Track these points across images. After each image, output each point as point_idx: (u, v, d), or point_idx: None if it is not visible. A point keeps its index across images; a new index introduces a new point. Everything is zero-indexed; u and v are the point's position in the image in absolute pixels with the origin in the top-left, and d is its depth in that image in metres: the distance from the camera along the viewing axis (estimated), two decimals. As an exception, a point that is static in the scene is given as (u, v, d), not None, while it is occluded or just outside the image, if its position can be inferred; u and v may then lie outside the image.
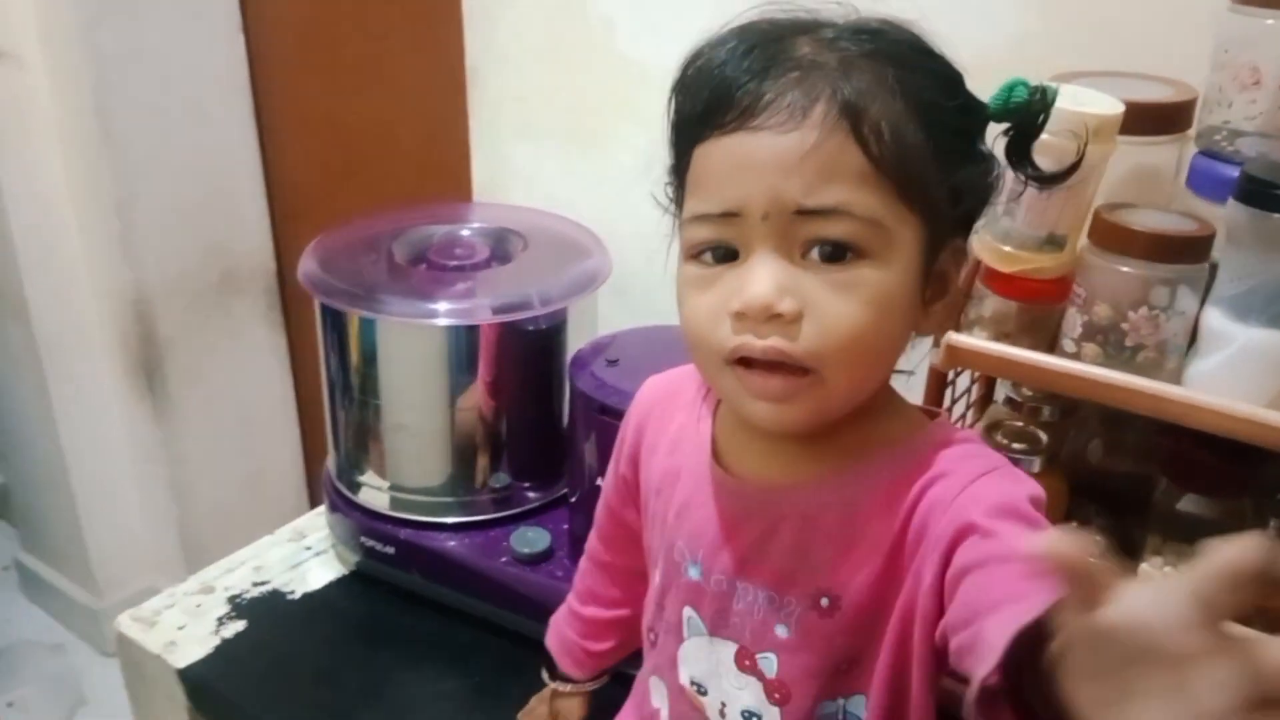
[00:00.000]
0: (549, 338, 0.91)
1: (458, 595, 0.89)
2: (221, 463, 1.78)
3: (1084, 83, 0.68)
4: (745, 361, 0.47)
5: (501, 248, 0.96)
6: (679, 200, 0.52)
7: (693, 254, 0.49)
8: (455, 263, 0.93)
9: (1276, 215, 0.59)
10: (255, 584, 0.95)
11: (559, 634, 0.73)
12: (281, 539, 1.01)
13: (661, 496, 0.59)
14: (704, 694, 0.58)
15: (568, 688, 0.74)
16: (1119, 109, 0.64)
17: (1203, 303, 0.65)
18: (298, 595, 0.94)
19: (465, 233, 0.98)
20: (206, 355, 1.72)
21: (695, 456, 0.57)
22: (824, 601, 0.52)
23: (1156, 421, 0.64)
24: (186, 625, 0.89)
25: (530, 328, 0.89)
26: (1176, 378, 0.66)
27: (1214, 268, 0.65)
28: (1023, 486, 0.48)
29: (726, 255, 0.48)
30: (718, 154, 0.47)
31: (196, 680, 0.84)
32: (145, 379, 1.68)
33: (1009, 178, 0.67)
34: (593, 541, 0.70)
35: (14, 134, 1.50)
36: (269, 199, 1.71)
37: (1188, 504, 0.72)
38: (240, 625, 0.90)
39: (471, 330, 0.87)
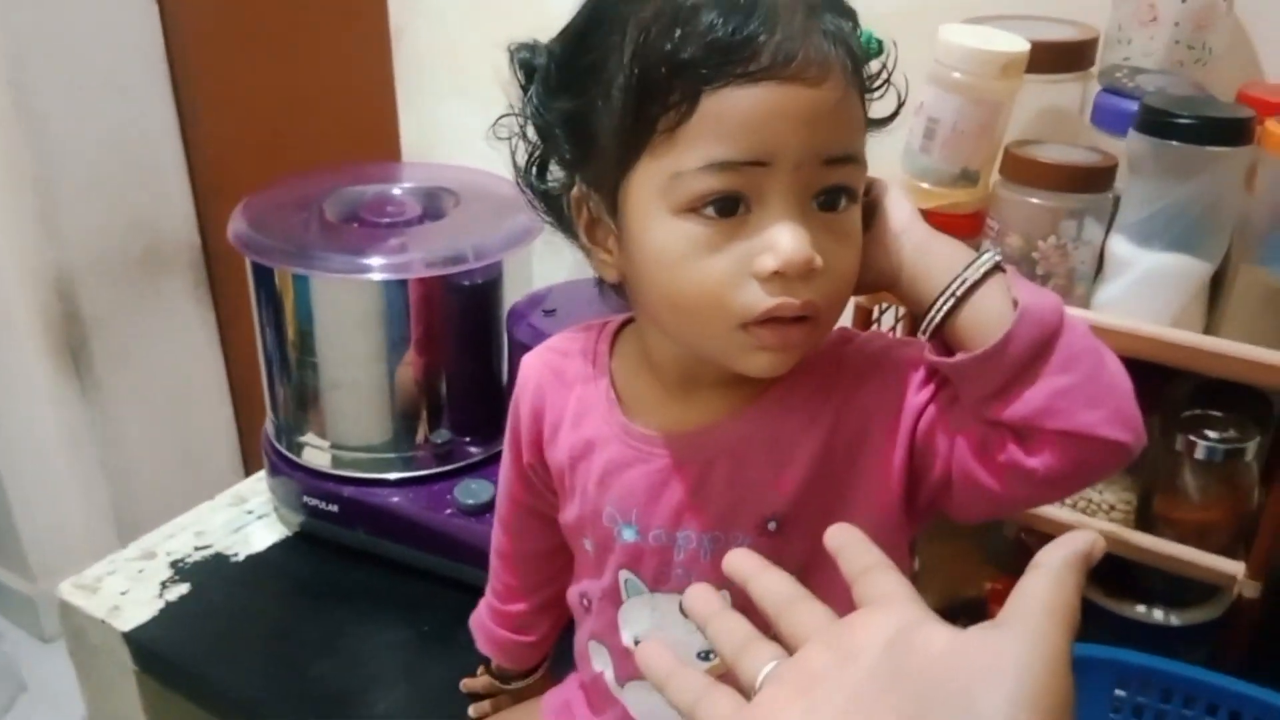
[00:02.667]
0: (485, 292, 0.92)
1: (403, 549, 0.90)
2: (154, 441, 1.75)
3: (995, 25, 0.71)
4: (773, 320, 0.47)
5: (434, 205, 0.96)
6: (630, 146, 0.47)
7: (691, 206, 0.46)
8: (388, 220, 0.93)
9: (1174, 143, 0.63)
10: (197, 548, 0.95)
11: (490, 636, 0.71)
12: (222, 504, 1.01)
13: (577, 471, 0.58)
14: None
15: (520, 684, 0.74)
16: (1024, 48, 0.67)
17: (1108, 231, 0.69)
18: (241, 558, 0.94)
19: (397, 191, 0.98)
20: (133, 333, 1.69)
21: (606, 421, 0.56)
22: (771, 525, 0.54)
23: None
24: (130, 590, 0.89)
25: (465, 282, 0.90)
26: (1085, 304, 0.70)
27: (1118, 199, 0.69)
28: (918, 356, 0.51)
29: (727, 208, 0.46)
30: (746, 102, 0.44)
31: (143, 642, 0.84)
32: (71, 359, 1.65)
33: (924, 117, 0.70)
34: (499, 539, 0.68)
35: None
36: (191, 173, 1.68)
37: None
38: (184, 588, 0.90)
39: (406, 285, 0.88)
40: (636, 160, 0.47)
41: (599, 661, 0.63)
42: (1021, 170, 0.69)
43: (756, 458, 0.53)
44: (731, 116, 0.45)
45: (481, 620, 0.72)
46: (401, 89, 1.17)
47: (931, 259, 0.50)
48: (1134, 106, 0.67)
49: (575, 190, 0.52)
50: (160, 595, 0.89)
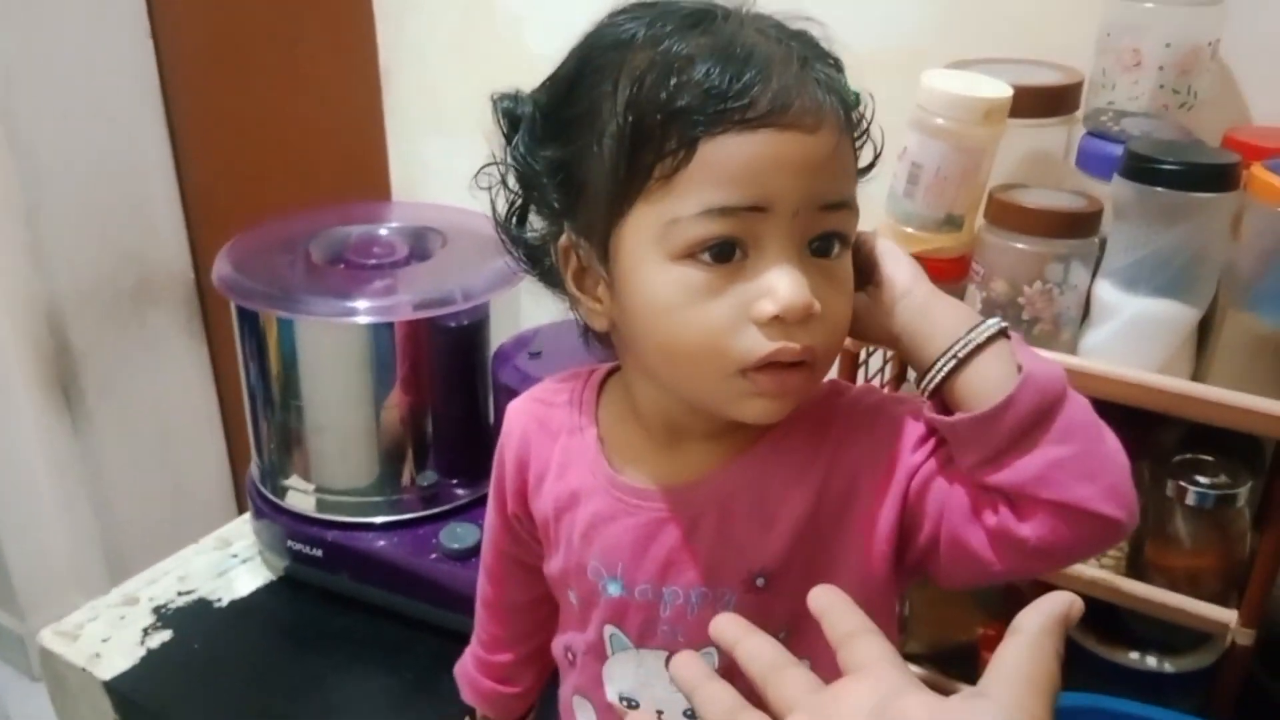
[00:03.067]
0: (471, 334, 0.91)
1: (387, 594, 0.89)
2: (144, 476, 1.74)
3: (979, 69, 0.71)
4: (770, 365, 0.47)
5: (421, 245, 0.96)
6: (623, 193, 0.47)
7: (688, 252, 0.46)
8: (374, 261, 0.93)
9: (1159, 189, 0.63)
10: (180, 594, 0.94)
11: (475, 686, 0.70)
12: (206, 548, 1.00)
13: (562, 522, 0.57)
14: (635, 706, 0.57)
15: None
16: (1007, 93, 0.66)
17: (1094, 276, 0.68)
18: (224, 603, 0.93)
19: (383, 232, 0.98)
20: (124, 366, 1.69)
21: (591, 473, 0.56)
22: (759, 581, 0.53)
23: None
24: (111, 637, 0.88)
25: (452, 324, 0.90)
26: (1072, 349, 0.69)
27: (1103, 243, 0.68)
28: (909, 416, 0.52)
29: (725, 253, 0.46)
30: (744, 149, 0.45)
31: (123, 692, 0.83)
32: (61, 392, 1.64)
33: (908, 162, 0.70)
34: (484, 588, 0.67)
35: (-88, 144, 1.45)
36: (184, 205, 1.68)
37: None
38: (166, 635, 0.89)
39: (392, 328, 0.87)
40: (630, 207, 0.47)
41: (583, 716, 0.62)
42: (1006, 215, 0.68)
43: (745, 512, 0.53)
44: (730, 163, 0.45)
45: (466, 670, 0.71)
46: (390, 127, 1.17)
47: (934, 321, 0.50)
48: (1119, 150, 0.67)
49: (564, 239, 0.51)
50: (142, 643, 0.87)
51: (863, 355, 0.79)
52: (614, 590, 0.55)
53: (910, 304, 0.51)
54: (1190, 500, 0.68)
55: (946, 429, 0.48)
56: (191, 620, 0.90)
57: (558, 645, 0.62)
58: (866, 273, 0.52)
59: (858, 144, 0.51)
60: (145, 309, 1.68)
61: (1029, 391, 0.46)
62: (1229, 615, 0.66)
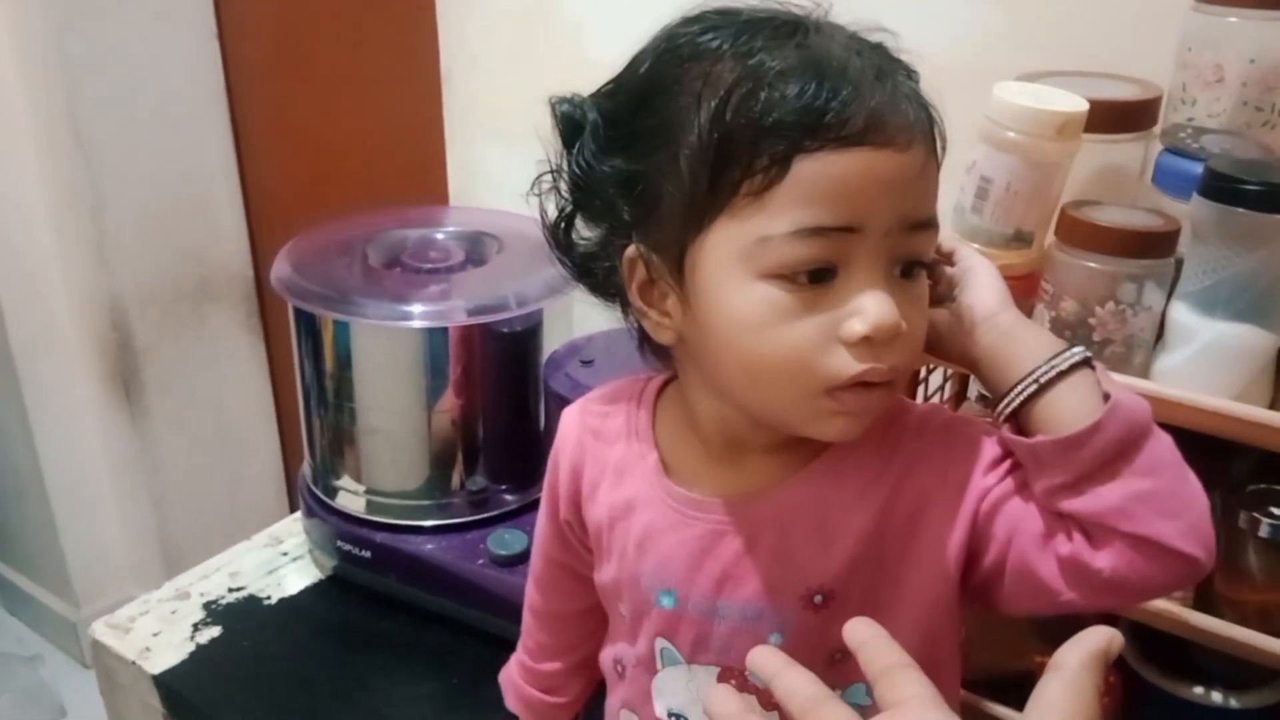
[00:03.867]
0: (524, 340, 0.91)
1: (434, 598, 0.89)
2: (200, 471, 1.77)
3: (1052, 82, 0.69)
4: (856, 385, 0.46)
5: (476, 250, 0.96)
6: (705, 209, 0.46)
7: (780, 273, 0.45)
8: (430, 265, 0.93)
9: (1240, 210, 0.60)
10: (231, 590, 0.94)
11: (520, 694, 0.69)
12: (258, 545, 1.01)
13: (616, 531, 0.56)
14: None
15: None
16: (1083, 107, 0.65)
17: (1169, 298, 0.66)
18: (274, 600, 0.94)
19: (440, 236, 0.98)
20: (184, 363, 1.71)
21: (648, 482, 0.55)
22: (818, 599, 0.52)
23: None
24: (161, 632, 0.89)
25: (505, 329, 0.89)
26: (1144, 372, 0.67)
27: (1179, 263, 0.66)
28: (983, 437, 0.51)
29: (819, 275, 0.45)
30: (839, 167, 0.44)
31: (171, 686, 0.84)
32: (122, 387, 1.67)
33: (976, 175, 0.68)
34: (533, 596, 0.67)
35: (-14, 140, 1.49)
36: (246, 206, 1.71)
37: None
38: (215, 631, 0.89)
39: (446, 332, 0.87)
40: (712, 223, 0.46)
41: None
42: (1078, 233, 0.66)
43: (804, 528, 0.52)
44: (825, 181, 0.44)
45: (511, 677, 0.70)
46: (449, 132, 1.18)
47: (1018, 346, 0.49)
48: (1198, 169, 0.64)
49: (631, 250, 0.50)
50: (192, 638, 0.88)
51: (922, 372, 0.77)
52: (667, 603, 0.54)
53: (995, 327, 0.50)
54: (1263, 532, 0.66)
55: (1026, 450, 0.48)
56: (241, 617, 0.91)
57: (606, 656, 0.62)
58: (948, 286, 0.52)
59: (941, 160, 0.50)
60: (205, 308, 1.70)
61: (1116, 420, 0.45)
62: (1304, 654, 0.64)
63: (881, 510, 0.51)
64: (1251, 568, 0.67)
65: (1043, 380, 0.47)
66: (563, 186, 0.53)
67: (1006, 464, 0.50)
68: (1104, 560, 0.46)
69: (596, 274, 0.54)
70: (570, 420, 0.60)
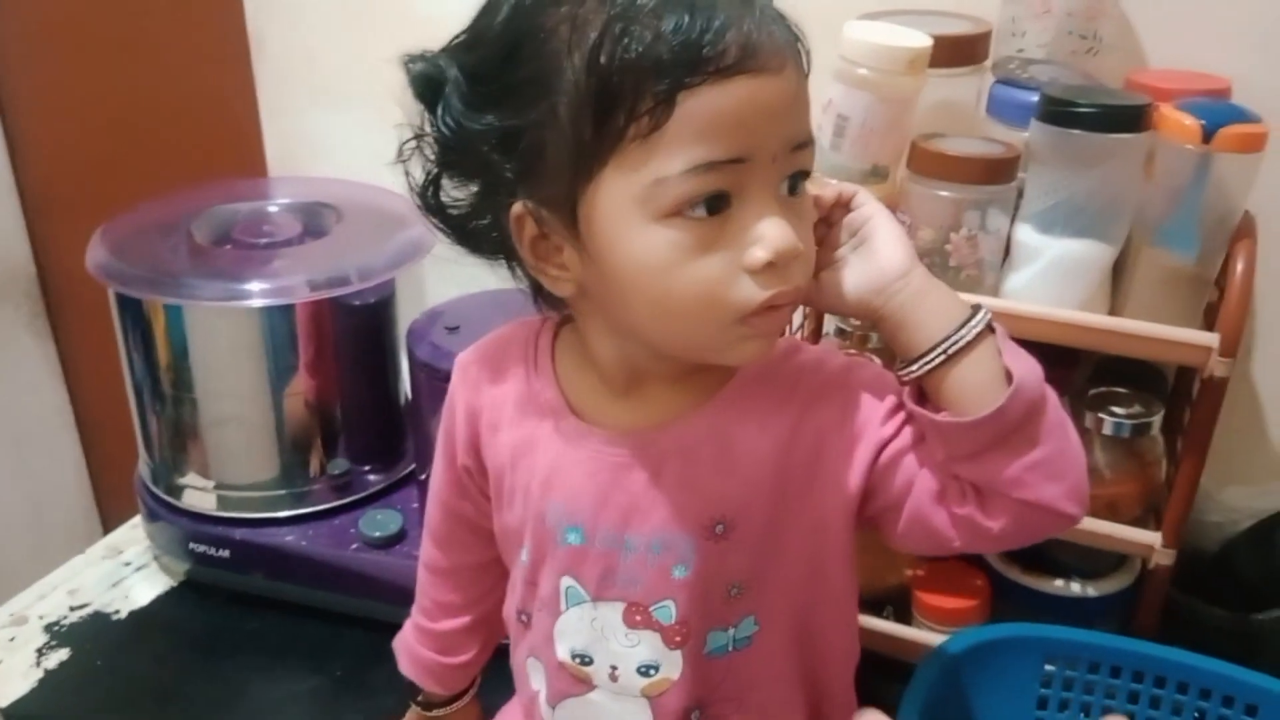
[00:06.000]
0: (377, 312, 0.87)
1: (307, 591, 0.85)
2: (-3, 490, 1.61)
3: (894, 20, 0.71)
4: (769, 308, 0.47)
5: (314, 222, 0.91)
6: (592, 158, 0.45)
7: (676, 211, 0.45)
8: (265, 240, 0.87)
9: (1075, 132, 0.65)
10: (73, 608, 0.87)
11: (413, 656, 0.67)
12: (95, 557, 0.93)
13: (519, 470, 0.56)
14: (588, 663, 0.56)
15: (445, 710, 0.69)
16: (928, 42, 0.67)
17: (1013, 221, 0.70)
18: (123, 615, 0.87)
19: (272, 209, 0.92)
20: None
21: (550, 419, 0.55)
22: (719, 528, 0.53)
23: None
24: (3, 660, 0.80)
25: (356, 303, 0.85)
26: (995, 292, 0.71)
27: (1020, 189, 0.70)
28: (878, 382, 0.53)
29: (714, 205, 0.45)
30: (723, 99, 0.44)
31: (24, 717, 0.76)
32: (-108, 407, 1.49)
33: (833, 114, 0.70)
34: (428, 550, 0.65)
35: None
36: (20, 193, 1.55)
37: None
38: (63, 654, 0.82)
39: (291, 310, 0.82)
40: (601, 170, 0.45)
41: (536, 679, 0.60)
42: (930, 164, 0.69)
43: (708, 457, 0.53)
44: (712, 115, 0.44)
45: (406, 641, 0.68)
46: (264, 99, 1.10)
47: (926, 309, 0.50)
48: (1030, 98, 0.68)
49: (517, 207, 0.49)
50: (38, 664, 0.81)
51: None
52: (574, 539, 0.54)
53: (905, 286, 0.51)
54: (1107, 430, 0.72)
55: (928, 424, 0.50)
56: (89, 635, 0.84)
57: (509, 610, 0.61)
58: (847, 233, 0.53)
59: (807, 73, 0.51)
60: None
61: (1018, 402, 0.47)
62: (1153, 538, 0.70)
63: (782, 444, 0.52)
64: (1099, 464, 0.73)
65: (950, 352, 0.49)
66: (426, 149, 0.51)
67: (903, 414, 0.52)
68: (996, 521, 0.49)
69: (475, 235, 0.53)
70: (465, 363, 0.59)
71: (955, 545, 0.51)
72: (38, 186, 1.52)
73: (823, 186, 0.54)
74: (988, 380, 0.48)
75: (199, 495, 0.87)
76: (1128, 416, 0.72)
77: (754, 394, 0.53)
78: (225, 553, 0.86)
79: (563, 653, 0.57)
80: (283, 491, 0.87)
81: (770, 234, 0.45)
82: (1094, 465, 0.73)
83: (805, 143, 0.48)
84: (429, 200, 0.52)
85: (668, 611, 0.54)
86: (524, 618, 0.59)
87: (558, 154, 0.46)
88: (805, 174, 0.49)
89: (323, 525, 0.86)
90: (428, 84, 0.49)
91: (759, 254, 0.45)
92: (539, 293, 0.54)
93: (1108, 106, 0.64)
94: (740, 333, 0.48)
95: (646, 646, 0.55)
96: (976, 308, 0.50)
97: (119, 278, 0.81)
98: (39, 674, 0.80)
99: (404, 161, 0.52)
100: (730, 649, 0.55)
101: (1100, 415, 0.72)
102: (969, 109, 0.75)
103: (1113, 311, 0.70)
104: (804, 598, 0.56)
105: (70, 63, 1.35)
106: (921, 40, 0.67)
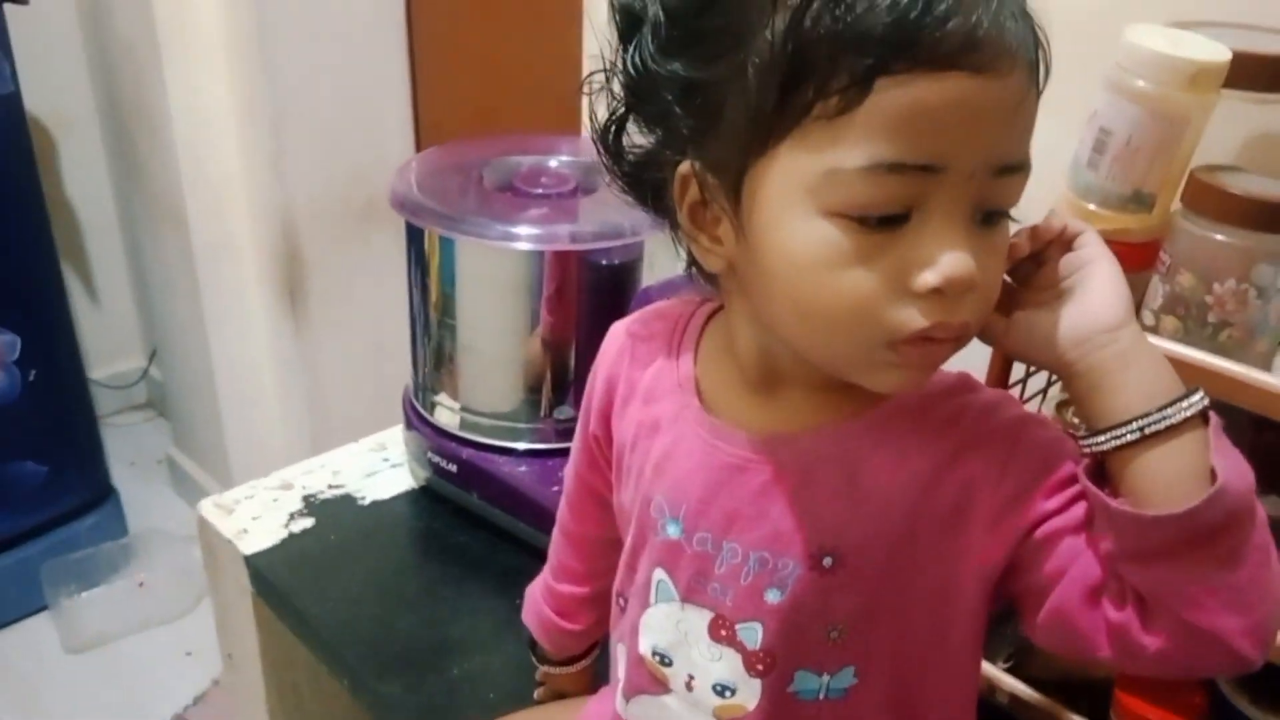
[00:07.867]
0: (624, 273, 0.90)
1: (510, 519, 0.90)
2: (353, 380, 1.86)
3: (1203, 31, 0.62)
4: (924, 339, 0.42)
5: (589, 180, 0.95)
6: (771, 129, 0.42)
7: (845, 212, 0.41)
8: (540, 190, 0.93)
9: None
10: (330, 486, 0.99)
11: (535, 608, 0.69)
12: (364, 449, 1.05)
13: (637, 450, 0.54)
14: (668, 664, 0.54)
15: (556, 670, 0.71)
16: (1224, 57, 0.57)
17: (1307, 282, 0.58)
18: (367, 502, 0.97)
19: (554, 164, 0.97)
20: (347, 280, 1.80)
21: (678, 404, 0.53)
22: (827, 560, 0.48)
23: (1242, 411, 0.58)
24: (260, 517, 0.94)
25: (605, 261, 0.89)
26: (1265, 363, 0.60)
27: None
28: (1055, 447, 0.46)
29: (890, 218, 0.41)
30: (928, 93, 0.39)
31: (260, 568, 0.88)
32: (289, 297, 1.77)
33: (1095, 126, 0.62)
34: (563, 514, 0.66)
35: (179, 52, 1.59)
36: (416, 131, 1.77)
37: (1270, 506, 0.65)
38: (308, 523, 0.94)
39: (544, 257, 0.87)
40: (777, 146, 0.42)
41: (620, 666, 0.59)
42: (1209, 201, 0.59)
43: (829, 480, 0.48)
44: (909, 109, 0.39)
45: (533, 593, 0.70)
46: (587, 63, 1.17)
47: (1129, 376, 0.44)
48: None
49: (684, 166, 0.46)
50: (286, 526, 0.93)
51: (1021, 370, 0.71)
52: (672, 531, 0.52)
53: (1110, 343, 0.44)
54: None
55: (1101, 509, 0.43)
56: (333, 513, 0.95)
57: (614, 592, 0.60)
58: (1058, 274, 0.46)
59: (1041, 90, 0.44)
60: (370, 230, 1.78)
61: (1216, 508, 0.40)
62: None
63: (921, 485, 0.47)
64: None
65: (1148, 432, 0.42)
66: (615, 86, 0.48)
67: (1074, 489, 0.45)
68: (1154, 639, 0.42)
69: (646, 186, 0.51)
70: (615, 334, 0.59)
71: (1101, 655, 0.44)
72: (430, 128, 1.72)
73: (1048, 218, 0.48)
74: (1185, 474, 0.41)
75: (446, 413, 0.95)
76: None
77: (902, 423, 0.48)
78: (454, 467, 0.93)
79: (645, 647, 0.55)
80: (514, 424, 0.93)
81: (945, 260, 0.41)
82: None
83: (1014, 167, 0.42)
84: (607, 142, 0.50)
85: (754, 634, 0.50)
86: (621, 601, 0.58)
87: (735, 117, 0.43)
88: (1004, 212, 0.43)
89: (536, 463, 0.90)
90: (628, 17, 0.46)
91: (928, 278, 0.41)
92: (692, 265, 0.52)
93: None
94: (887, 358, 0.43)
95: (727, 665, 0.51)
96: (1194, 390, 0.42)
97: (407, 207, 0.90)
98: (284, 534, 0.92)
99: (589, 95, 0.49)
100: (821, 696, 0.51)
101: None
102: (1287, 144, 0.63)
103: None
104: (916, 664, 0.50)
105: (471, 19, 1.51)
106: (1214, 53, 0.57)
